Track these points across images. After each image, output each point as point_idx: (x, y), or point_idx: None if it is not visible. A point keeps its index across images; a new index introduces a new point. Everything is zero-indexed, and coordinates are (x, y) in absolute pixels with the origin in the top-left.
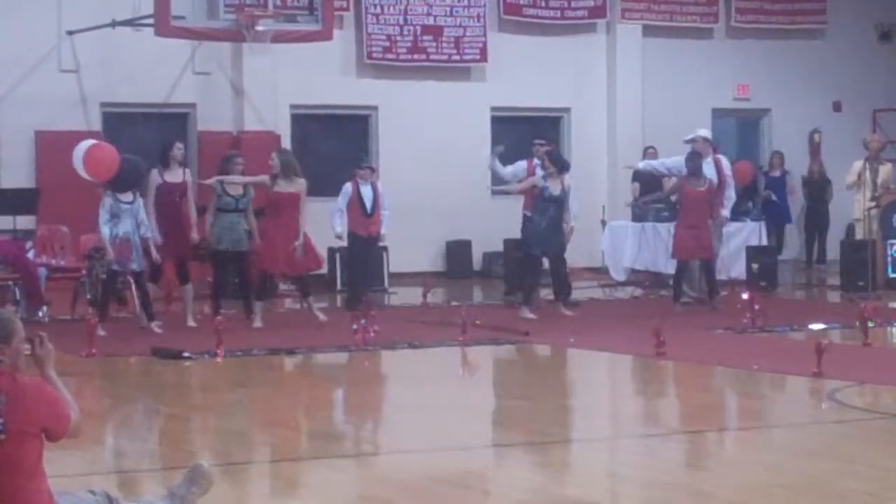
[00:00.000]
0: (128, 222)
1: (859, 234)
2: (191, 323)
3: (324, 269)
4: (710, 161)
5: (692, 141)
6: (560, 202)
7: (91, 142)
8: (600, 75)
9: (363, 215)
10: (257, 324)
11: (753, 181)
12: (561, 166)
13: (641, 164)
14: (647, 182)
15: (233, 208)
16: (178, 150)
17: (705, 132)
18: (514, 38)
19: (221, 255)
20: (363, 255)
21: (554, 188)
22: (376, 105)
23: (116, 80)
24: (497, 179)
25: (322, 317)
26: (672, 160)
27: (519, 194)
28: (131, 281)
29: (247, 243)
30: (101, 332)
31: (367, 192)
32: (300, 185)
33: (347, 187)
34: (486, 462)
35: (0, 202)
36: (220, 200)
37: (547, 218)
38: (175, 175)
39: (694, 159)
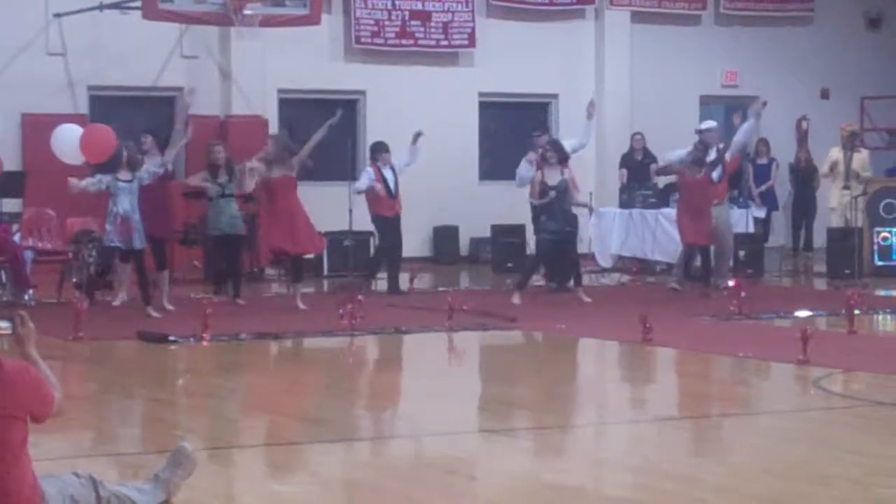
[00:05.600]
0: (126, 201)
1: (835, 223)
2: (168, 306)
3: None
4: (714, 150)
5: (707, 131)
6: (560, 191)
7: (73, 126)
8: (589, 61)
9: (388, 196)
10: (302, 306)
11: (739, 169)
12: (561, 156)
13: (662, 163)
14: (634, 169)
15: (220, 195)
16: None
17: (715, 122)
18: (503, 24)
19: (218, 241)
20: (392, 234)
21: (552, 179)
22: (364, 90)
23: (104, 63)
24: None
25: (302, 306)
26: (682, 152)
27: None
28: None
29: (241, 227)
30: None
31: (388, 174)
32: (293, 165)
33: (370, 171)
34: (473, 447)
35: None
36: (210, 189)
37: (553, 208)
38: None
39: (699, 148)
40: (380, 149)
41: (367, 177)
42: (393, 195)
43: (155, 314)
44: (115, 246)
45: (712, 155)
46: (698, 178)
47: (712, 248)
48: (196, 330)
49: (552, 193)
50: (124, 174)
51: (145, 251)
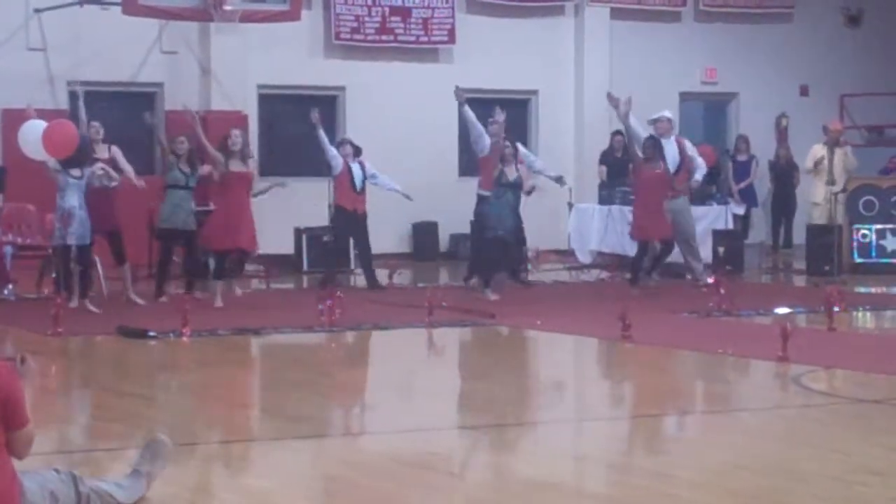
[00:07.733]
0: (74, 197)
1: (818, 219)
2: (135, 299)
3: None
4: (673, 142)
5: (657, 121)
6: (515, 187)
7: (39, 122)
8: (568, 58)
9: (353, 191)
10: (218, 303)
11: (716, 165)
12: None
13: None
14: (614, 165)
15: (183, 185)
16: (92, 129)
17: (670, 113)
18: (483, 20)
19: (168, 234)
20: (348, 229)
21: (510, 173)
22: (344, 86)
23: (84, 58)
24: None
25: (219, 304)
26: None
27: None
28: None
29: (194, 222)
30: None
31: (356, 169)
32: (252, 165)
33: (339, 157)
34: (450, 444)
35: None
36: (171, 175)
37: (503, 202)
38: (100, 151)
39: (650, 142)
40: (342, 142)
41: (335, 159)
42: (357, 191)
43: (93, 308)
44: (66, 245)
45: (669, 147)
46: (657, 172)
47: (675, 244)
48: (175, 325)
49: (507, 194)
50: (75, 171)
51: (92, 245)
